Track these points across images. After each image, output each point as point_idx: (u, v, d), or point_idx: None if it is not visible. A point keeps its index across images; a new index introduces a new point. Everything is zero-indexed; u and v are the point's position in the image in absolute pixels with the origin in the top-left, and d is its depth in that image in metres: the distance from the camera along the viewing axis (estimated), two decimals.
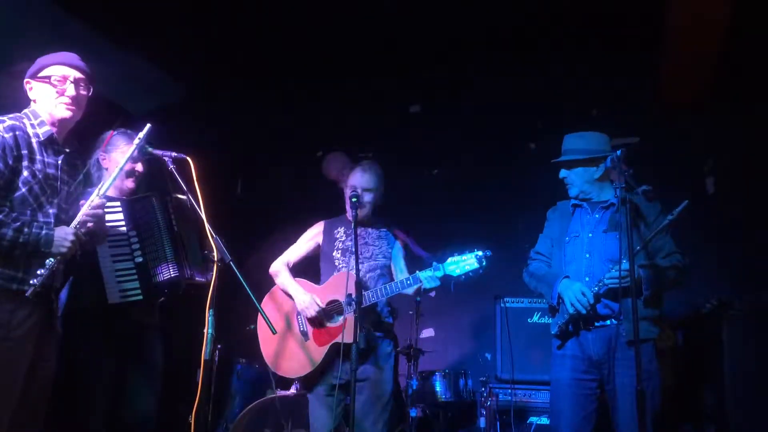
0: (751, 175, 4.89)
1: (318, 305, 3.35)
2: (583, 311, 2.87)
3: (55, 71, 2.61)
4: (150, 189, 3.15)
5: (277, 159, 5.94)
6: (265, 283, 3.60)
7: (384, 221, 3.66)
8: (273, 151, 5.82)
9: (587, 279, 2.97)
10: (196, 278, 3.08)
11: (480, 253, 3.24)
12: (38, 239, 2.43)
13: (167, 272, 2.99)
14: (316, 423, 3.31)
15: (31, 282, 2.41)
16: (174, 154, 2.74)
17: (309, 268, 3.66)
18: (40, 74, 2.62)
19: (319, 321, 3.37)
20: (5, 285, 2.42)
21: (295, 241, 3.68)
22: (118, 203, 2.99)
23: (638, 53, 4.98)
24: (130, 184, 3.12)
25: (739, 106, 5.00)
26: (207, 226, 2.55)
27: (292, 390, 4.24)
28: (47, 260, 2.44)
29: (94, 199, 2.60)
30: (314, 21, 5.03)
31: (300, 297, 3.40)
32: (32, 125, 2.58)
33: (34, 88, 2.63)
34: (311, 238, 3.64)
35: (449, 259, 3.27)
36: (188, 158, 2.68)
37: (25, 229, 2.41)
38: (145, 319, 3.09)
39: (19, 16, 3.71)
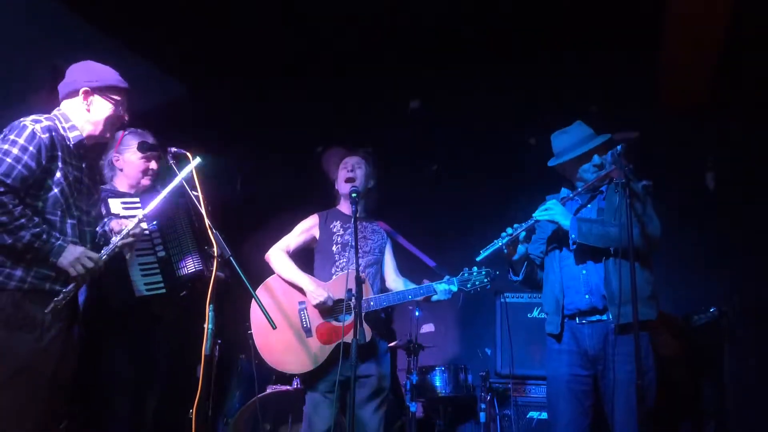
0: (751, 175, 4.89)
1: (332, 299, 3.29)
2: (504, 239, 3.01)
3: (121, 96, 2.66)
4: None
5: (277, 155, 5.93)
6: (264, 276, 3.51)
7: (374, 215, 3.64)
8: (273, 147, 5.81)
9: (584, 273, 2.98)
10: (218, 273, 3.09)
11: (490, 271, 3.36)
12: (51, 248, 2.40)
13: (190, 266, 3.04)
14: (315, 418, 3.27)
15: (54, 301, 2.39)
16: (174, 149, 2.74)
17: (298, 261, 3.54)
18: (110, 93, 2.64)
19: (329, 313, 3.32)
20: (39, 285, 2.41)
21: (289, 232, 3.59)
22: (138, 200, 3.02)
23: (638, 54, 4.96)
24: (146, 181, 3.19)
25: (739, 108, 4.99)
26: (207, 221, 2.55)
27: (293, 385, 4.25)
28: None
29: (129, 228, 2.62)
30: (313, 19, 5.03)
31: (312, 290, 3.30)
32: (63, 128, 2.59)
33: (95, 102, 2.62)
34: (307, 229, 3.55)
35: (465, 274, 3.36)
36: (188, 153, 2.68)
37: (44, 236, 2.39)
38: (161, 312, 3.11)
39: (19, 13, 3.70)
